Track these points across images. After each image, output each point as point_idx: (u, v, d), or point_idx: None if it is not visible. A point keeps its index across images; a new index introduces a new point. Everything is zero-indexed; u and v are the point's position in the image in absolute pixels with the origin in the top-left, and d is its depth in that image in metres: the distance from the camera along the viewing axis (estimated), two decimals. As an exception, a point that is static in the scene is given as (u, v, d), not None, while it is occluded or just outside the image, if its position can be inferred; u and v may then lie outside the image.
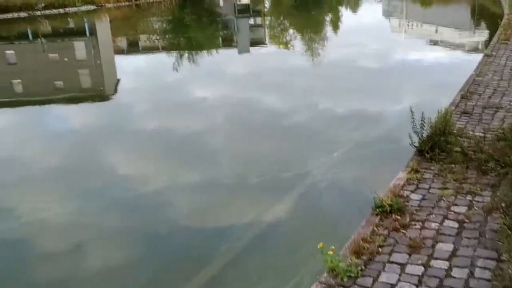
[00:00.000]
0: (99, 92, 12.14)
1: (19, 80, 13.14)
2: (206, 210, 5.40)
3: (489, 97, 7.50)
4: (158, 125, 8.54)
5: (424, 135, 5.45)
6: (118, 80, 12.64)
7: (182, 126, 8.38)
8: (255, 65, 14.21)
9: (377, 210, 4.23)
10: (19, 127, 9.04)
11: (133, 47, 18.94)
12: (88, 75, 14.23)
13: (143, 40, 20.35)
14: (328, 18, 26.28)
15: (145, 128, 8.41)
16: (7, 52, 17.47)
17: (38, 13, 26.93)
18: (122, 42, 20.22)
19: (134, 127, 8.55)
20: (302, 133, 7.65)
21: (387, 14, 27.22)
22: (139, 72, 14.02)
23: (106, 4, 30.60)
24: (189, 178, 6.26)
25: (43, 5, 27.59)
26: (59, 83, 12.82)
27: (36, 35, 21.33)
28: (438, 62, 12.65)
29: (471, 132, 5.97)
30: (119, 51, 18.00)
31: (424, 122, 5.40)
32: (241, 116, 8.79)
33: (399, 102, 8.89)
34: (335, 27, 22.22)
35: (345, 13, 28.72)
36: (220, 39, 20.48)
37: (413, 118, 5.43)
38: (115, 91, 11.53)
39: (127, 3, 31.90)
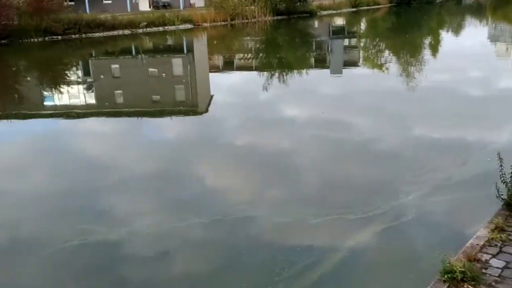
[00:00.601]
0: (192, 107, 12.67)
1: (121, 92, 14.24)
2: (272, 237, 5.18)
3: None
4: (245, 142, 8.62)
5: (516, 186, 4.61)
6: (212, 96, 13.15)
7: (266, 144, 8.38)
8: (346, 86, 13.94)
9: (445, 276, 3.54)
10: (116, 135, 9.62)
11: (228, 65, 19.68)
12: (183, 90, 14.95)
13: (238, 58, 21.10)
14: (427, 41, 25.27)
15: (232, 143, 8.54)
16: (113, 66, 19.14)
17: (140, 30, 29.28)
18: (218, 60, 21.12)
19: (222, 141, 8.70)
20: (380, 166, 7.09)
21: (493, 38, 25.49)
22: (232, 89, 14.39)
23: (203, 23, 32.44)
24: (269, 196, 6.21)
25: (145, 23, 29.95)
26: (156, 97, 13.64)
27: (138, 51, 23.16)
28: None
29: None
30: (215, 69, 18.77)
31: None
32: (326, 138, 8.58)
33: (495, 138, 7.98)
34: (434, 50, 21.21)
35: (447, 36, 27.39)
36: (313, 59, 20.56)
37: (501, 164, 4.69)
38: (208, 106, 11.90)
39: (222, 23, 33.49)
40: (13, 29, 24.67)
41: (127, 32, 28.99)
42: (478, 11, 49.26)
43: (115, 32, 28.54)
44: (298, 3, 38.13)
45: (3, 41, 24.30)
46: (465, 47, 22.21)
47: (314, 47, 24.54)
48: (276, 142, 8.48)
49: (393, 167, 7.06)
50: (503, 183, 4.73)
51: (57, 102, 13.40)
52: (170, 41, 27.85)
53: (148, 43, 26.72)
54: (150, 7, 42.19)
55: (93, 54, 22.85)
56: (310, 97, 12.28)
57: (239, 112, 10.91)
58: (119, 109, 12.27)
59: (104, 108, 12.47)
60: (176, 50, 24.75)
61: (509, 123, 9.05)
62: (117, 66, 19.29)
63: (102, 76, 17.51)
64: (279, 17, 36.69)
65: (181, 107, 12.35)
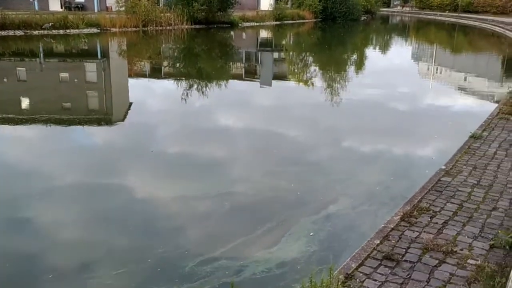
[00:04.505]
0: (106, 115, 13.22)
1: (27, 98, 14.45)
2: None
3: (444, 223, 5.34)
4: (162, 149, 9.34)
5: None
6: (130, 104, 13.95)
7: (185, 155, 9.10)
8: (275, 98, 15.47)
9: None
10: (22, 143, 9.88)
11: (155, 73, 20.52)
12: (97, 97, 15.52)
13: (164, 66, 22.10)
14: (352, 57, 28.19)
15: (144, 154, 9.04)
16: (18, 68, 19.18)
17: (36, 32, 29.08)
18: (144, 67, 21.88)
19: (133, 152, 9.27)
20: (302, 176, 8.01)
21: (416, 58, 29.16)
22: (154, 98, 15.23)
23: (111, 28, 32.92)
24: (188, 204, 6.90)
25: (51, 24, 29.86)
26: (67, 104, 14.06)
27: (45, 54, 23.29)
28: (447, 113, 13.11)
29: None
30: (141, 76, 19.55)
31: None
32: (245, 148, 9.59)
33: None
34: (359, 67, 23.91)
35: (372, 53, 30.59)
36: (243, 70, 22.29)
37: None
38: (125, 115, 12.52)
39: (133, 29, 34.20)
40: None
41: (19, 33, 28.64)
42: (402, 31, 54.95)
43: (4, 32, 28.12)
44: (218, 13, 40.03)
45: None
46: (390, 64, 25.28)
47: (239, 58, 26.28)
48: (195, 153, 9.19)
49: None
50: None
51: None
52: (79, 45, 27.85)
53: (52, 46, 26.68)
54: (61, 7, 41.84)
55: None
56: (236, 108, 13.52)
57: (159, 122, 11.64)
58: (25, 115, 12.54)
59: (7, 114, 12.65)
60: (90, 55, 25.14)
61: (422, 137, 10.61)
62: (23, 69, 19.35)
63: (5, 80, 17.52)
64: (197, 26, 38.21)
65: (93, 115, 12.76)
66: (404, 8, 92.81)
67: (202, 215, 6.52)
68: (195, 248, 5.54)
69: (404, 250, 4.78)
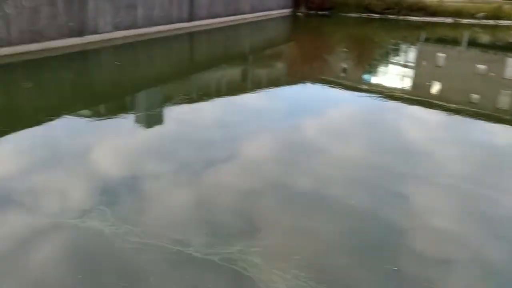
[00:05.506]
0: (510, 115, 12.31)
1: (438, 82, 14.95)
2: None
3: None
4: None
5: None
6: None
7: None
8: None
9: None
10: (417, 125, 10.34)
11: None
12: (509, 96, 14.60)
13: None
14: None
15: None
16: (438, 54, 20.25)
17: (465, 20, 29.47)
18: None
19: None
20: None
21: None
22: None
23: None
24: None
25: (483, 14, 29.86)
26: (475, 96, 13.81)
27: (468, 43, 23.70)
28: None
29: None
30: None
31: None
32: None
33: None
34: None
35: None
36: None
37: None
38: None
39: None
40: (337, 3, 30.08)
41: (448, 20, 29.81)
42: None
43: (434, 19, 29.88)
44: None
45: (325, 12, 29.88)
46: None
47: None
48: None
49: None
50: None
51: (372, 79, 15.26)
52: (506, 38, 26.92)
53: (477, 36, 26.55)
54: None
55: (408, 37, 24.44)
56: None
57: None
58: (430, 99, 12.90)
59: (417, 96, 13.37)
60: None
61: None
62: (443, 55, 20.33)
63: (424, 63, 18.77)
64: None
65: (498, 114, 12.12)
66: None
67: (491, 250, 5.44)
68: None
69: None
